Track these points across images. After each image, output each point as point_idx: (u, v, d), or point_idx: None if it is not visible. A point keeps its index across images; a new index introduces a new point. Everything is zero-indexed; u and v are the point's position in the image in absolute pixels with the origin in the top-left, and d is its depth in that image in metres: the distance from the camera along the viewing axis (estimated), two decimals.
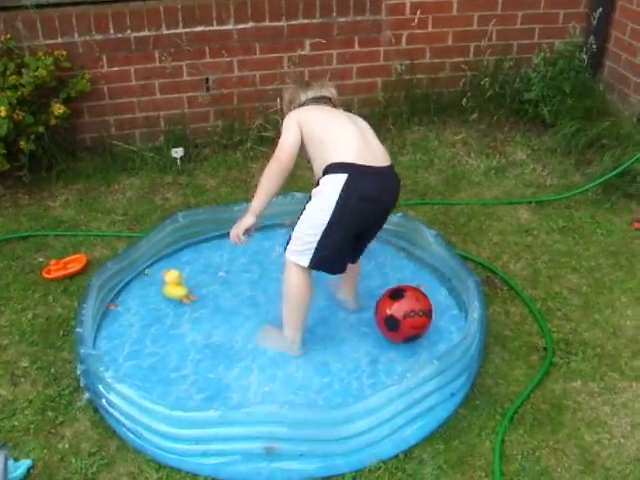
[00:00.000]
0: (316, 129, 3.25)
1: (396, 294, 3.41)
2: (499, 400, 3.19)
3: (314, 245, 3.16)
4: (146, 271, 3.95)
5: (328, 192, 3.11)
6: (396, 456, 2.95)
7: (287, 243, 3.26)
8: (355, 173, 3.09)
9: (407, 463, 2.93)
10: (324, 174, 3.16)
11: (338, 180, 3.09)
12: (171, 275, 3.73)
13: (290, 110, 3.43)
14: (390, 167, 3.24)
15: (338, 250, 3.22)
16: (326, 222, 3.12)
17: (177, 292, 3.74)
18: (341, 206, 3.09)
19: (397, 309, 3.34)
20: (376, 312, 3.45)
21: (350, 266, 3.43)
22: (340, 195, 3.08)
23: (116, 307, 3.74)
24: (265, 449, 2.84)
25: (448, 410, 3.11)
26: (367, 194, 3.11)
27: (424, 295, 3.42)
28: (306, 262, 3.21)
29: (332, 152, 3.17)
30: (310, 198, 3.20)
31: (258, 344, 3.48)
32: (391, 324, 3.37)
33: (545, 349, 3.45)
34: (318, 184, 3.18)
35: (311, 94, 3.45)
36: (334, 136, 3.22)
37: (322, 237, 3.14)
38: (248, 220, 3.31)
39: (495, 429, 3.05)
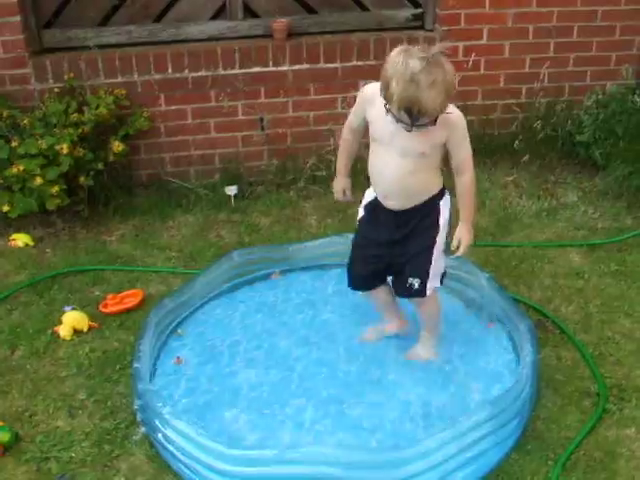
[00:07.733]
0: None
1: None
2: (551, 445, 3.18)
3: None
4: (179, 331, 3.88)
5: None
6: None
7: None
8: None
9: None
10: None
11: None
12: (69, 317, 3.95)
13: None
14: None
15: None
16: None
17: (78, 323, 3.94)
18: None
19: None
20: None
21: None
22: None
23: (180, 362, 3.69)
24: None
25: (500, 454, 3.10)
26: None
27: None
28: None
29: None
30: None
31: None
32: None
33: (598, 395, 3.43)
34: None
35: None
36: None
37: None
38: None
39: (547, 475, 3.04)
